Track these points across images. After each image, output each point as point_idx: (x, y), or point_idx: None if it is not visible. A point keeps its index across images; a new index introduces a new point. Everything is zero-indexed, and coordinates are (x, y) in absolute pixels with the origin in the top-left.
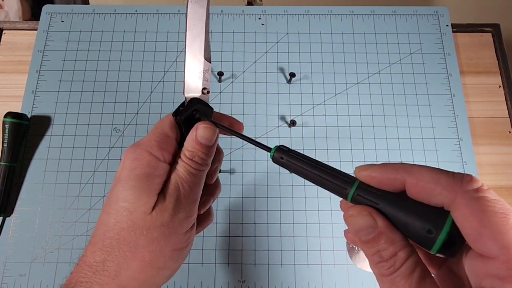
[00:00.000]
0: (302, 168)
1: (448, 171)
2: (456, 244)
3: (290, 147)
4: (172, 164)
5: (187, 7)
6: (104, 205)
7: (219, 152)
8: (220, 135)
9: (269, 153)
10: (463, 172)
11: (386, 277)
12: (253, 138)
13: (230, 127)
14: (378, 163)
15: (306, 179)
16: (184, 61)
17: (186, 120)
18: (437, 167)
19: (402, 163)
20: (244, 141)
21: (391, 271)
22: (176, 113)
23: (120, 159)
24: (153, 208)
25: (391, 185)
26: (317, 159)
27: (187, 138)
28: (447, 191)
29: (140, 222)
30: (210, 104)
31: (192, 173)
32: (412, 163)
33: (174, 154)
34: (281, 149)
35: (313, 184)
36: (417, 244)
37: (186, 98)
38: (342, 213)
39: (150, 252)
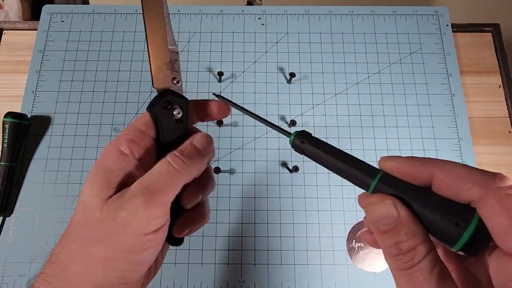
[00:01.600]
0: (323, 155)
1: (479, 168)
2: (480, 241)
3: (290, 147)
4: (150, 157)
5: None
6: None
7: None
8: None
9: (288, 139)
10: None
11: (403, 271)
12: (271, 122)
13: (219, 111)
14: (404, 155)
15: (326, 167)
16: (148, 54)
17: (159, 111)
18: None
19: (430, 158)
20: (243, 140)
21: (410, 265)
22: (148, 106)
23: None
24: (106, 201)
25: (417, 179)
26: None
27: (184, 142)
28: (479, 186)
29: (92, 215)
30: (183, 94)
31: (170, 172)
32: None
33: (148, 149)
34: (302, 133)
35: (333, 172)
36: (439, 241)
37: (157, 91)
38: (342, 213)
39: (102, 248)
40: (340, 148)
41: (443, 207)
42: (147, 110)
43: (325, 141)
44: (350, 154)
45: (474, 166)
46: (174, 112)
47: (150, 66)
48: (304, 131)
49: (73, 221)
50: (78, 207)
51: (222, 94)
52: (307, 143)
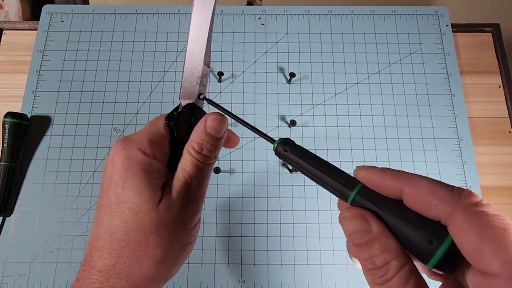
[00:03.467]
0: (304, 164)
1: (448, 184)
2: (455, 259)
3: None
4: (166, 164)
5: (193, 8)
6: (103, 207)
7: None
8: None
9: (272, 146)
10: (462, 187)
11: (378, 285)
12: (258, 129)
13: (227, 141)
14: (379, 166)
15: (307, 175)
16: (184, 64)
17: (180, 125)
18: (437, 167)
19: (402, 171)
20: (243, 140)
21: (383, 280)
22: (169, 118)
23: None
24: (159, 204)
25: (388, 192)
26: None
27: (194, 130)
28: (445, 204)
29: (148, 220)
30: (205, 111)
31: (199, 167)
32: (412, 162)
33: (167, 150)
34: (285, 141)
35: (313, 181)
36: (414, 257)
37: (181, 103)
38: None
39: (162, 249)
40: (340, 149)
41: (416, 223)
42: (166, 120)
43: (325, 141)
44: (332, 164)
45: (474, 167)
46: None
47: (182, 77)
48: (287, 139)
49: (120, 229)
50: (125, 214)
51: (221, 95)
52: (289, 152)
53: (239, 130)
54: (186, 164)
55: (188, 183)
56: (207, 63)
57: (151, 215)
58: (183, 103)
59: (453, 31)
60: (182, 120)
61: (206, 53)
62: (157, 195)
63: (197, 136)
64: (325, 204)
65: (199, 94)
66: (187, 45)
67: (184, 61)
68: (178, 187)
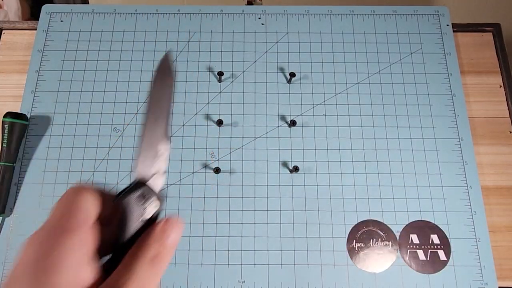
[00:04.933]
0: None
1: None
2: None
3: (290, 147)
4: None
5: (150, 85)
6: None
7: None
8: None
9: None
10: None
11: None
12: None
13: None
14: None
15: None
16: (141, 140)
17: (132, 206)
18: (438, 167)
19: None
20: (243, 140)
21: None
22: (118, 195)
23: (119, 162)
24: None
25: None
26: (317, 159)
27: (152, 238)
28: None
29: None
30: (160, 193)
31: (154, 274)
32: (412, 162)
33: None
34: None
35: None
36: None
37: (135, 180)
38: (342, 213)
39: None
40: (341, 149)
41: None
42: (116, 197)
43: (326, 141)
44: None
45: (475, 166)
46: (146, 210)
47: (139, 153)
48: None
49: None
50: None
51: (221, 95)
52: None
53: (239, 130)
54: (137, 269)
55: None
56: (167, 137)
57: None
58: (137, 179)
59: (453, 31)
60: (133, 198)
61: (165, 130)
62: None
63: (154, 244)
64: (325, 204)
65: (154, 174)
66: (146, 123)
67: (142, 138)
68: None
